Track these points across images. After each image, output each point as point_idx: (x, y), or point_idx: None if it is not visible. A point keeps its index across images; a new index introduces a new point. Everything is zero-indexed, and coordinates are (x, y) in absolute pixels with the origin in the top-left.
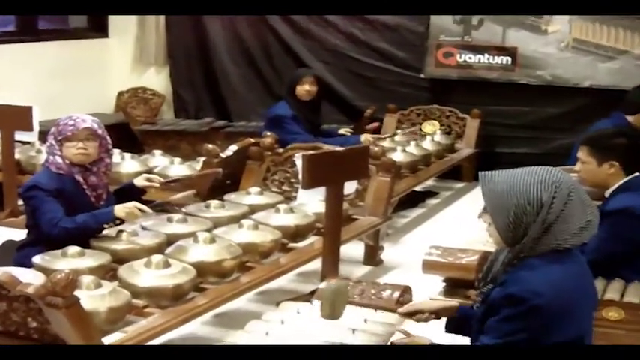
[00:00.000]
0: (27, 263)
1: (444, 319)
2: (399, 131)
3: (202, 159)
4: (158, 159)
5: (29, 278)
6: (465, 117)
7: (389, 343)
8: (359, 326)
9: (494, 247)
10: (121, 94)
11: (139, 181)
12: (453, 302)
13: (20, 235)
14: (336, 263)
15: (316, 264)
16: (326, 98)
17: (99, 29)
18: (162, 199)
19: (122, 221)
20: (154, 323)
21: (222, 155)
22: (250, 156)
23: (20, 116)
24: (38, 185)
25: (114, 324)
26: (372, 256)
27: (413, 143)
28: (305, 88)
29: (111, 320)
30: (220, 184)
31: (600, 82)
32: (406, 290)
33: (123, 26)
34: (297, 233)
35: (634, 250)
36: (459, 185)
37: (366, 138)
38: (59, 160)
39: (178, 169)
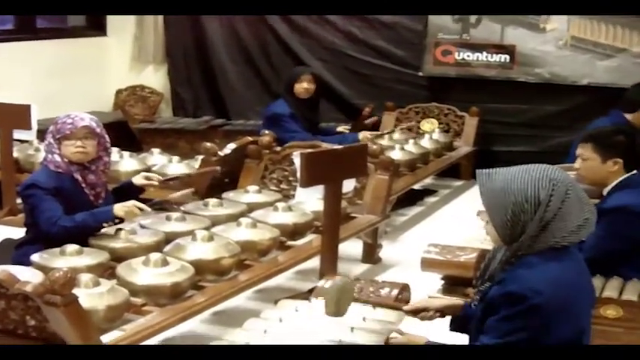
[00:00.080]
0: (25, 261)
1: (448, 318)
2: (396, 129)
3: (201, 157)
4: (156, 157)
5: (27, 276)
6: (464, 115)
7: (384, 343)
8: (357, 324)
9: (492, 245)
10: (119, 92)
11: (138, 180)
12: (459, 301)
13: (19, 233)
14: (335, 261)
15: (314, 262)
16: (324, 96)
17: (97, 28)
18: (161, 198)
19: (121, 220)
20: (152, 321)
21: (221, 153)
22: (249, 154)
23: (18, 115)
24: (37, 184)
25: (112, 322)
26: (371, 254)
27: (411, 141)
28: (303, 87)
29: (109, 318)
30: (219, 182)
31: (598, 80)
32: (404, 288)
33: (121, 25)
34: (295, 231)
35: (632, 248)
36: (458, 183)
37: (364, 135)
38: (57, 158)
39: (177, 167)
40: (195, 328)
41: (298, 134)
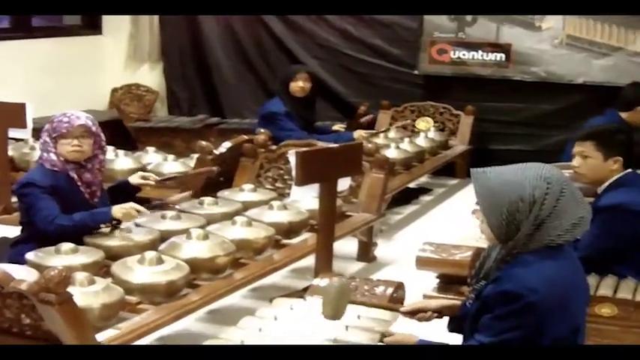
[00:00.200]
0: (20, 260)
1: (446, 318)
2: (391, 127)
3: (196, 156)
4: (152, 156)
5: (22, 275)
6: (459, 114)
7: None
8: (352, 323)
9: (487, 244)
10: (114, 90)
11: (134, 179)
12: (456, 301)
13: (14, 232)
14: (330, 260)
15: (310, 260)
16: (320, 95)
17: (92, 26)
18: (160, 200)
19: (119, 221)
20: (147, 320)
21: (216, 152)
22: (244, 153)
23: (13, 113)
24: (33, 182)
25: (107, 321)
26: (366, 253)
27: (407, 140)
28: (299, 85)
29: (104, 317)
30: (214, 180)
31: (594, 79)
32: (400, 287)
33: (116, 23)
34: (290, 230)
35: (627, 247)
36: (453, 182)
37: (359, 134)
38: (53, 157)
39: (172, 165)
40: (190, 326)
41: (294, 133)
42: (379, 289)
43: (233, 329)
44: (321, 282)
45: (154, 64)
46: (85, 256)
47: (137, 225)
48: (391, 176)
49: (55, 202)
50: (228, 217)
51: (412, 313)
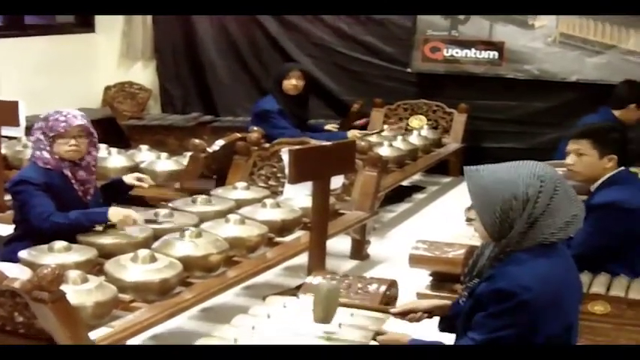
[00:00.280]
0: (14, 258)
1: (436, 318)
2: (385, 126)
3: (189, 154)
4: (145, 154)
5: (16, 273)
6: (452, 111)
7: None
8: (345, 321)
9: (480, 242)
10: (107, 88)
11: (129, 179)
12: (446, 301)
13: (7, 230)
14: (323, 258)
15: (303, 258)
16: (313, 93)
17: (85, 24)
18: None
19: (113, 224)
20: (140, 318)
21: (209, 150)
22: (237, 151)
23: (6, 111)
24: (27, 179)
25: (100, 319)
26: (359, 251)
27: (400, 138)
28: (292, 83)
29: (97, 315)
30: (207, 178)
31: (587, 77)
32: (393, 284)
33: (109, 21)
34: (283, 228)
35: (620, 244)
36: (446, 180)
37: (353, 134)
38: (46, 155)
39: (165, 164)
40: (184, 324)
41: (287, 131)
42: (372, 287)
43: (226, 327)
44: (314, 280)
45: (147, 62)
46: (78, 254)
47: None
48: (384, 174)
49: (49, 199)
50: (222, 215)
51: (403, 314)
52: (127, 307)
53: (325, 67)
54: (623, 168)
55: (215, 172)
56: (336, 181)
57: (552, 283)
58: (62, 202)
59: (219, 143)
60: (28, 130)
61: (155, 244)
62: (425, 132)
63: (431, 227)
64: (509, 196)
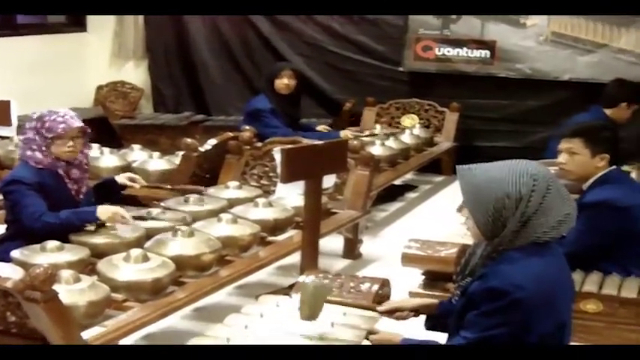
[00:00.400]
0: (6, 258)
1: (423, 317)
2: (377, 126)
3: (181, 153)
4: (137, 153)
5: (8, 273)
6: (444, 110)
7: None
8: (338, 320)
9: (473, 241)
10: (99, 88)
11: (121, 179)
12: (433, 300)
13: None
14: (315, 257)
15: (295, 257)
16: (305, 92)
17: (77, 24)
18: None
19: (103, 222)
20: (133, 317)
21: (201, 149)
22: (229, 150)
23: None
24: (19, 179)
25: (93, 318)
26: (351, 250)
27: (392, 137)
28: (284, 82)
29: (90, 314)
30: (199, 178)
31: (579, 76)
32: (385, 283)
33: (101, 21)
34: (276, 227)
35: (612, 243)
36: (438, 179)
37: (345, 134)
38: (39, 155)
39: (157, 163)
40: (176, 323)
41: (279, 130)
42: (365, 286)
43: (219, 326)
44: (307, 279)
45: (139, 62)
46: (71, 253)
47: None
48: (376, 173)
49: (41, 199)
50: (214, 214)
51: (389, 312)
52: (119, 307)
53: (317, 67)
54: (614, 167)
55: (207, 171)
56: (329, 180)
57: (545, 281)
58: (55, 202)
59: (212, 142)
60: (21, 130)
61: (147, 244)
62: (417, 131)
63: (423, 226)
64: (502, 195)
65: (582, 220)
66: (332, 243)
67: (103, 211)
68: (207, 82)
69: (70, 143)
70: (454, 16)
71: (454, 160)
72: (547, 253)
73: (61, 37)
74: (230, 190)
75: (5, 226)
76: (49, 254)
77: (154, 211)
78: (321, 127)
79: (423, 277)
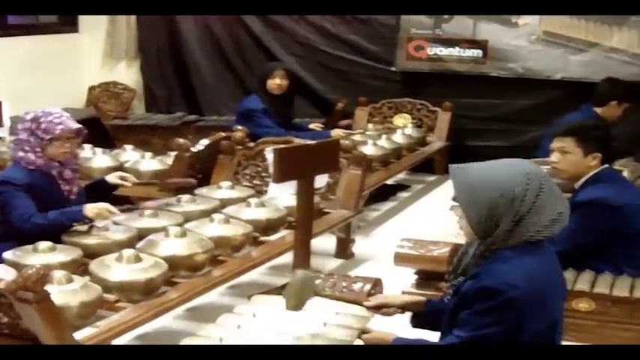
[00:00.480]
0: None
1: (408, 314)
2: (370, 125)
3: (174, 153)
4: (129, 153)
5: (0, 274)
6: (437, 110)
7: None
8: (330, 319)
9: (465, 240)
10: (92, 88)
11: (112, 178)
12: (420, 297)
13: None
14: (308, 256)
15: (288, 257)
16: (297, 92)
17: (69, 24)
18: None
19: (92, 220)
20: (125, 318)
21: (194, 149)
22: (222, 150)
23: None
24: (9, 180)
25: (85, 319)
26: (344, 249)
27: (384, 136)
28: (276, 82)
29: (82, 315)
30: (192, 178)
31: (572, 75)
32: (377, 283)
33: (93, 21)
34: (268, 227)
35: (604, 242)
36: (431, 178)
37: (337, 133)
38: (31, 156)
39: (150, 163)
40: (169, 324)
41: (271, 130)
42: (357, 286)
43: (212, 326)
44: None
45: (131, 62)
46: (63, 254)
47: (115, 223)
48: (369, 173)
49: (31, 200)
50: (206, 214)
51: (376, 308)
52: (112, 307)
53: (309, 66)
54: (606, 166)
55: (200, 171)
56: (321, 180)
57: (538, 280)
58: (47, 203)
59: (204, 143)
60: (13, 130)
61: (140, 244)
62: (409, 130)
63: (416, 225)
64: (496, 194)
65: (574, 218)
66: (324, 243)
67: (90, 208)
68: (199, 82)
69: (67, 145)
70: (446, 16)
71: (446, 160)
72: (540, 252)
73: (53, 37)
74: (222, 190)
75: None
76: (41, 255)
77: (146, 211)
78: (313, 126)
79: (416, 276)
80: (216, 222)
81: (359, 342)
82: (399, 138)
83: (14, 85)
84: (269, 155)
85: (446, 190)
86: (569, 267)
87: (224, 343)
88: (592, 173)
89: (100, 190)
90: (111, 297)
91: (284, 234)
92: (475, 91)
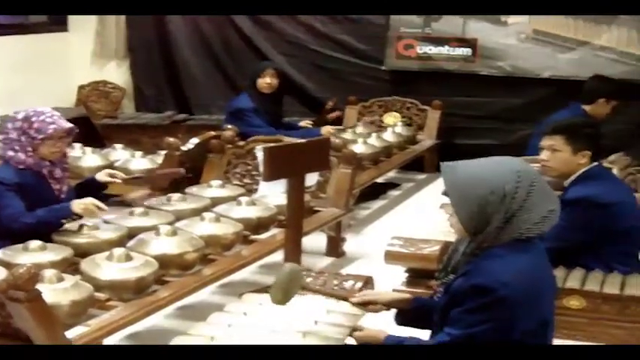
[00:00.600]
0: None
1: (393, 311)
2: (359, 122)
3: (164, 152)
4: (119, 152)
5: None
6: (426, 108)
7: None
8: (321, 318)
9: (455, 238)
10: (81, 87)
11: (101, 176)
12: (406, 295)
13: None
14: (299, 255)
15: (278, 256)
16: (287, 91)
17: (58, 23)
18: (121, 197)
19: (80, 216)
20: (116, 316)
21: (184, 148)
22: (211, 149)
23: None
24: None
25: (76, 317)
26: (335, 248)
27: (374, 135)
28: (266, 81)
29: (73, 314)
30: (182, 177)
31: (561, 73)
32: (368, 281)
33: (83, 20)
34: (259, 225)
35: (594, 239)
36: (421, 176)
37: (327, 130)
38: (22, 156)
39: (140, 162)
40: (160, 322)
41: (261, 129)
42: (348, 284)
43: (202, 325)
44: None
45: (120, 61)
46: (54, 253)
47: (105, 222)
48: (359, 171)
49: (20, 200)
50: (197, 213)
51: (362, 304)
52: (103, 306)
53: (299, 66)
54: (596, 163)
55: (190, 170)
56: (311, 179)
57: (529, 278)
58: (37, 202)
59: (194, 141)
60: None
61: (130, 243)
62: (399, 129)
63: (406, 224)
64: (487, 192)
65: (564, 216)
66: (315, 241)
67: (77, 204)
68: (189, 81)
69: (58, 144)
70: (435, 15)
71: (436, 158)
72: (530, 250)
73: (43, 36)
74: (213, 188)
75: None
76: (31, 254)
77: (137, 210)
78: (304, 123)
79: (407, 274)
80: (206, 221)
81: (351, 340)
82: (389, 136)
83: (3, 84)
84: (259, 154)
85: (436, 188)
86: (560, 265)
87: (215, 341)
88: (582, 171)
89: (90, 189)
90: (102, 296)
91: (274, 232)
92: (464, 89)
